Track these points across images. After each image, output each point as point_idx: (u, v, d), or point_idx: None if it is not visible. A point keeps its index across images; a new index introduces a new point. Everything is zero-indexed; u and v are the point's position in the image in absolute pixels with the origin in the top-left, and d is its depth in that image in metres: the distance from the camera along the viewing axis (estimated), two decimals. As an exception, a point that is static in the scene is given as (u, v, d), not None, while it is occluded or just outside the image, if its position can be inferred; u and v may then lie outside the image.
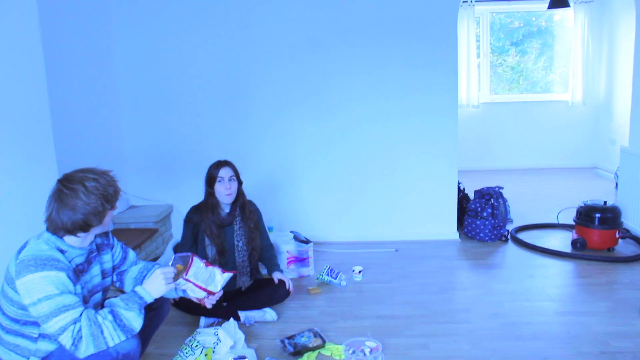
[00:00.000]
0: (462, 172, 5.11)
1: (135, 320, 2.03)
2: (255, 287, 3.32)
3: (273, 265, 3.43)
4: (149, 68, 4.67)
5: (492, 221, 4.65)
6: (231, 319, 2.80)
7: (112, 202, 2.10)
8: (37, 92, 2.88)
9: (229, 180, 3.21)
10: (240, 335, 2.68)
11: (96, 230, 2.12)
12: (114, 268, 2.38)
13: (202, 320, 3.14)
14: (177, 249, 3.39)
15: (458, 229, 4.83)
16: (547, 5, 5.89)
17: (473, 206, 4.79)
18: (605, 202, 4.37)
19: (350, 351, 2.74)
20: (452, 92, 4.59)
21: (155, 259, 4.24)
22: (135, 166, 4.82)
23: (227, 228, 3.29)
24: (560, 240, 4.65)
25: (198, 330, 2.67)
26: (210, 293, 2.37)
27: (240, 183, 3.29)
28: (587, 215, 4.35)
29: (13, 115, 2.65)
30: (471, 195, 5.03)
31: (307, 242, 4.04)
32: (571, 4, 6.84)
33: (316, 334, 2.91)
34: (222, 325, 2.71)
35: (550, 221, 5.08)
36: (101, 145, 4.42)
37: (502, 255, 4.41)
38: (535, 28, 8.26)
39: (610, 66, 7.37)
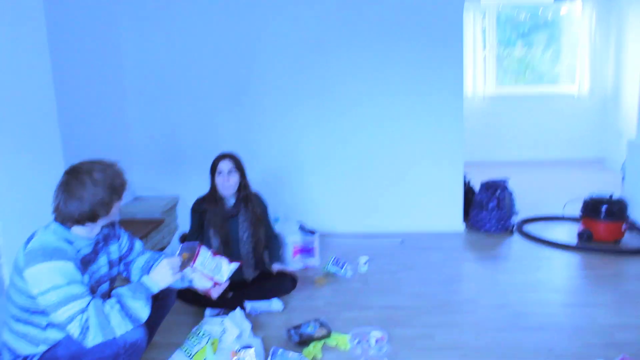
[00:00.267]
0: (468, 164, 5.10)
1: (142, 310, 2.05)
2: (261, 278, 3.33)
3: (273, 257, 3.45)
4: (156, 60, 4.68)
5: (498, 213, 4.65)
6: (237, 309, 2.82)
7: (119, 193, 2.11)
8: (43, 84, 2.89)
9: (228, 173, 3.23)
10: (247, 325, 2.70)
11: (103, 221, 2.13)
12: (120, 258, 2.39)
13: (208, 311, 3.16)
14: (184, 239, 3.41)
15: (464, 220, 4.83)
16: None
17: (479, 198, 4.78)
18: (611, 195, 4.36)
19: (356, 341, 2.75)
20: (458, 85, 4.58)
21: (161, 250, 4.25)
22: (142, 157, 4.83)
23: (231, 220, 3.30)
24: (566, 233, 4.64)
25: (204, 320, 2.68)
26: (216, 283, 2.39)
27: (243, 176, 3.29)
28: (593, 208, 4.34)
29: (19, 108, 2.66)
30: (477, 188, 5.03)
31: (313, 232, 4.05)
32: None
33: (322, 324, 2.92)
34: (229, 314, 2.73)
35: (556, 213, 5.07)
36: (108, 136, 4.44)
37: (508, 247, 4.41)
38: (542, 20, 8.22)
39: (618, 58, 7.32)
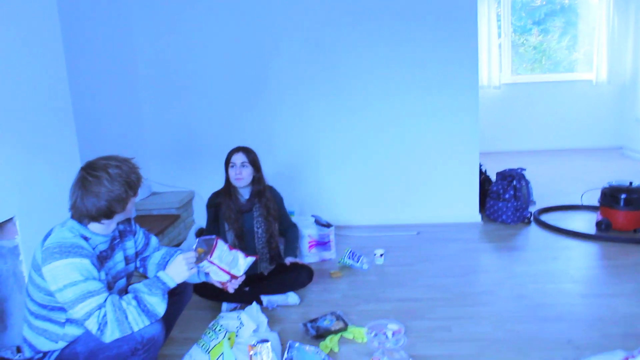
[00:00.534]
0: (484, 154, 5.06)
1: (159, 305, 2.06)
2: (277, 272, 3.33)
3: (289, 248, 3.46)
4: (170, 56, 4.69)
5: (515, 203, 4.60)
6: (254, 303, 2.82)
7: (134, 189, 2.12)
8: (58, 82, 2.91)
9: (241, 166, 3.23)
10: (263, 319, 2.70)
11: (119, 217, 2.14)
12: (137, 254, 2.41)
13: (224, 306, 3.17)
14: (201, 234, 3.42)
15: (480, 211, 4.80)
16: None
17: (495, 188, 4.74)
18: (630, 183, 4.29)
19: (373, 334, 2.75)
20: (472, 75, 4.53)
21: (177, 245, 4.28)
22: (157, 153, 4.86)
23: (246, 214, 3.31)
24: (585, 222, 4.59)
25: (221, 314, 2.70)
26: (233, 277, 2.39)
27: (257, 170, 3.30)
28: (612, 196, 4.28)
29: (35, 106, 2.68)
30: (493, 178, 4.99)
31: (328, 225, 4.05)
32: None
33: (338, 317, 2.92)
34: (245, 309, 2.73)
35: (574, 203, 5.01)
36: (123, 132, 4.47)
37: (525, 237, 4.37)
38: (558, 6, 8.10)
39: (637, 44, 7.19)
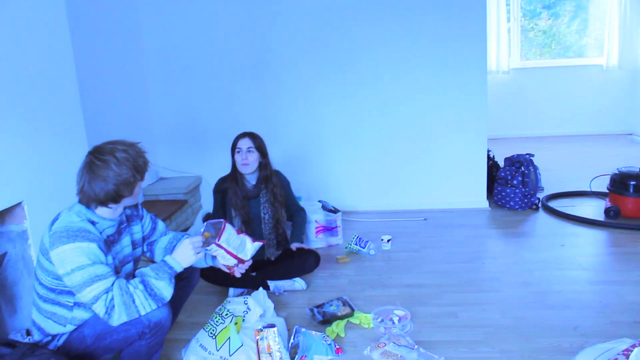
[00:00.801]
0: (492, 140, 5.03)
1: (166, 290, 2.07)
2: (284, 257, 3.34)
3: (294, 235, 3.46)
4: (177, 40, 4.68)
5: (523, 189, 4.58)
6: (260, 288, 2.83)
7: (141, 173, 2.12)
8: (65, 66, 2.90)
9: (247, 151, 3.23)
10: (270, 304, 2.71)
11: (126, 202, 2.15)
12: (144, 239, 2.42)
13: (231, 291, 3.19)
14: (208, 218, 3.43)
15: (488, 197, 4.78)
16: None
17: (503, 174, 4.72)
18: (640, 169, 4.27)
19: (379, 319, 2.75)
20: (481, 58, 4.49)
21: (185, 230, 4.30)
22: (164, 138, 4.87)
23: (252, 200, 3.31)
24: (593, 209, 4.56)
25: (228, 299, 2.71)
26: (240, 261, 2.39)
27: (263, 155, 3.29)
28: (621, 183, 4.25)
29: (41, 90, 2.68)
30: (501, 163, 4.96)
31: (335, 211, 4.05)
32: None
33: (345, 303, 2.93)
34: (252, 294, 2.74)
35: (583, 189, 4.98)
36: (130, 117, 4.47)
37: (533, 223, 4.35)
38: (569, -11, 8.00)
39: (649, 28, 7.10)
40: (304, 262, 3.25)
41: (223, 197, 3.33)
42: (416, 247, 3.90)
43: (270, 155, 3.38)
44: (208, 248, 2.29)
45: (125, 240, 2.27)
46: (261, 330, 2.32)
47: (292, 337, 2.54)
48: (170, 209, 4.13)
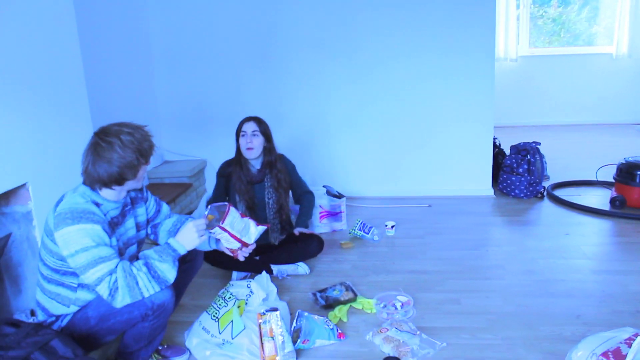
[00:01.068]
0: (499, 128, 5.01)
1: (169, 272, 2.07)
2: (288, 242, 3.35)
3: (300, 219, 3.45)
4: (183, 24, 4.66)
5: (528, 177, 4.56)
6: (264, 272, 2.84)
7: (146, 157, 2.11)
8: (69, 47, 2.89)
9: (252, 134, 3.22)
10: (273, 288, 2.72)
11: (130, 185, 2.14)
12: (148, 221, 2.42)
13: (234, 274, 3.20)
14: (209, 203, 3.44)
15: (493, 185, 4.76)
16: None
17: (509, 162, 4.70)
18: (647, 159, 4.24)
19: (382, 305, 2.76)
20: (489, 44, 4.45)
21: (189, 214, 4.30)
22: (170, 121, 4.87)
23: (257, 185, 3.31)
24: (599, 198, 4.54)
25: (231, 282, 2.71)
26: (244, 244, 2.39)
27: (268, 140, 3.28)
28: (628, 173, 4.22)
29: (46, 71, 2.67)
30: (507, 151, 4.93)
31: (340, 196, 4.05)
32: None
33: (348, 288, 2.94)
34: (255, 278, 2.75)
35: (589, 178, 4.96)
36: (135, 100, 4.46)
37: (538, 212, 4.34)
38: (580, -24, 7.91)
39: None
40: (307, 247, 3.26)
41: (227, 181, 3.33)
42: (420, 233, 3.89)
43: (275, 140, 3.38)
44: (212, 231, 2.29)
45: (129, 223, 2.27)
46: (264, 314, 2.32)
47: (295, 321, 2.54)
48: (174, 192, 4.14)
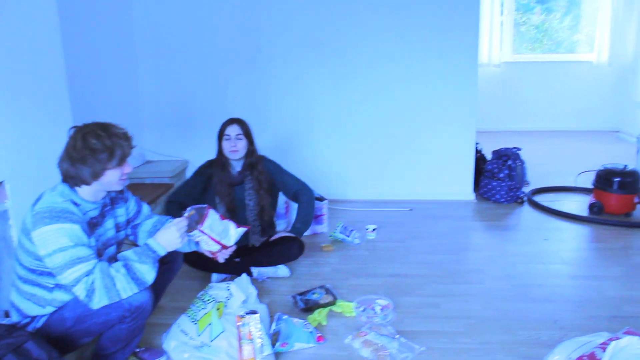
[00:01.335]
0: (481, 133, 5.04)
1: (148, 273, 2.05)
2: (268, 244, 3.33)
3: (294, 228, 3.34)
4: (168, 23, 4.63)
5: (509, 183, 4.60)
6: (244, 274, 2.83)
7: (122, 159, 2.08)
8: (51, 44, 2.86)
9: (236, 138, 3.20)
10: (253, 291, 2.71)
11: (109, 186, 2.11)
12: (128, 221, 2.40)
13: (214, 276, 3.18)
14: (172, 196, 3.34)
15: (474, 189, 4.80)
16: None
17: (490, 167, 4.74)
18: (625, 167, 4.29)
19: (362, 308, 2.76)
20: (473, 50, 4.49)
21: (170, 214, 4.27)
22: (152, 121, 4.83)
23: (237, 187, 3.29)
24: (578, 204, 4.60)
25: (210, 284, 2.70)
26: (223, 247, 2.38)
27: (250, 142, 3.27)
28: (606, 179, 4.28)
29: (28, 69, 2.64)
30: (489, 156, 4.97)
31: (321, 199, 4.04)
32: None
33: (328, 291, 2.94)
34: (235, 280, 2.73)
35: (568, 184, 5.01)
36: (118, 99, 4.42)
37: (518, 217, 4.38)
38: (563, -15, 8.02)
39: (640, 25, 7.13)
40: (288, 250, 3.24)
41: (205, 181, 3.29)
42: (401, 237, 3.91)
43: (259, 141, 3.36)
44: (191, 234, 2.27)
45: (109, 223, 2.25)
46: (243, 316, 2.31)
47: (274, 323, 2.54)
48: (155, 193, 4.11)
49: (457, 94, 4.55)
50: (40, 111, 2.73)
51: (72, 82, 3.06)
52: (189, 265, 3.17)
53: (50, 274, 2.02)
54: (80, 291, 1.92)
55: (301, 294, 2.93)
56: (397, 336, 2.50)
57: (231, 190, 3.26)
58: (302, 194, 3.43)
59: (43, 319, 2.09)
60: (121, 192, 2.34)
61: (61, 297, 2.08)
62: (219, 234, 2.36)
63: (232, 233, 2.42)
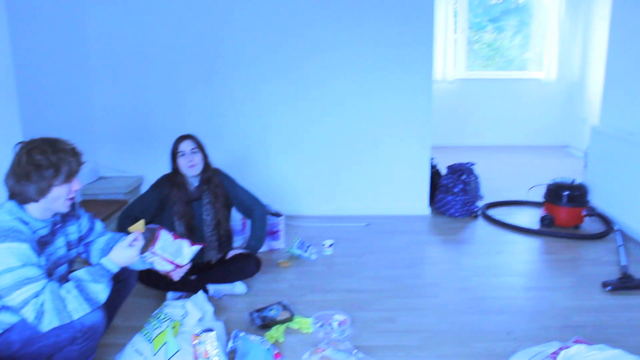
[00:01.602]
0: (436, 148, 5.14)
1: (101, 293, 2.01)
2: (224, 261, 3.29)
3: (249, 245, 3.33)
4: (122, 37, 4.56)
5: (463, 197, 4.69)
6: (200, 292, 2.79)
7: (69, 176, 2.03)
8: (1, 57, 2.79)
9: (191, 152, 3.17)
10: (209, 308, 2.67)
11: (55, 205, 2.05)
12: (80, 239, 2.34)
13: (170, 294, 3.12)
14: (126, 212, 3.26)
15: (430, 204, 4.87)
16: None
17: (445, 182, 4.82)
18: (573, 181, 4.44)
19: (319, 324, 2.76)
20: (427, 68, 4.57)
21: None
22: (106, 136, 4.73)
23: (195, 203, 3.25)
24: (529, 217, 4.72)
25: (166, 302, 2.65)
26: (177, 266, 2.36)
27: (205, 155, 3.24)
28: (555, 193, 4.41)
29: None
30: (443, 171, 5.06)
31: (278, 215, 4.03)
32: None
33: (285, 307, 2.92)
34: (191, 297, 2.70)
35: (520, 198, 5.15)
36: (71, 112, 4.32)
37: (472, 231, 4.46)
38: (514, 5, 8.27)
39: (585, 45, 7.42)
40: (244, 267, 3.22)
41: (163, 198, 3.21)
42: (357, 252, 3.93)
43: (215, 157, 3.34)
44: (143, 255, 2.24)
45: (60, 242, 2.19)
46: (199, 334, 2.28)
47: (231, 341, 2.51)
48: (109, 209, 4.02)
49: (412, 110, 4.62)
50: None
51: (22, 96, 2.98)
52: (143, 284, 3.10)
53: (-4, 296, 1.95)
54: (29, 313, 1.86)
55: (258, 310, 2.91)
56: (354, 351, 2.50)
57: (189, 208, 3.21)
58: (255, 209, 3.42)
59: (-12, 342, 2.01)
60: (73, 209, 2.29)
61: (8, 319, 2.01)
62: (171, 254, 2.33)
63: (186, 252, 2.40)
